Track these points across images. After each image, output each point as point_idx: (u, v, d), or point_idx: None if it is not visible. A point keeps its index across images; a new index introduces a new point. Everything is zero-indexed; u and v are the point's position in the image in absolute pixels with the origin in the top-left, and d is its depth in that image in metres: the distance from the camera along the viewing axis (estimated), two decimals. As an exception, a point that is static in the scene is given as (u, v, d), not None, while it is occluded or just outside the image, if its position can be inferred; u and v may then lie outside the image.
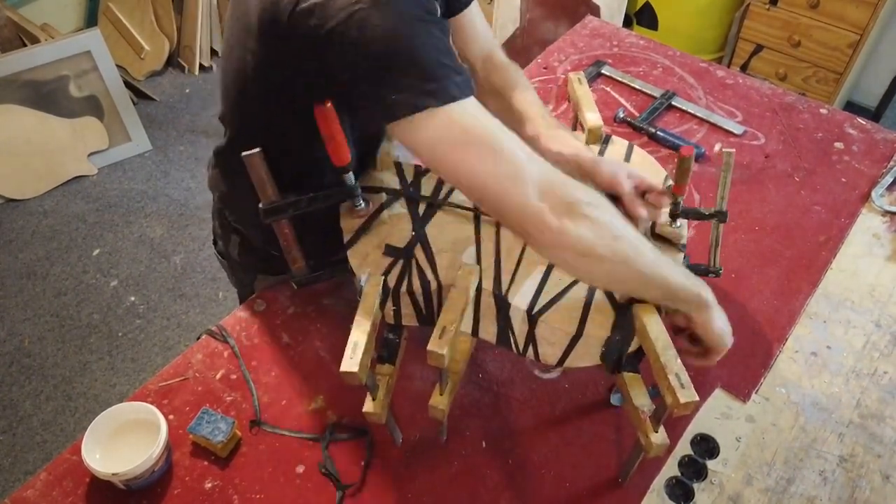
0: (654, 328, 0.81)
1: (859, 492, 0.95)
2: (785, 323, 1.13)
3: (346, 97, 0.79)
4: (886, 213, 1.30)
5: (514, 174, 0.76)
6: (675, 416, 0.78)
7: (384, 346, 0.92)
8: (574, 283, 0.88)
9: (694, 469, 0.97)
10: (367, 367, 0.80)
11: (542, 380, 1.06)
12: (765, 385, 1.06)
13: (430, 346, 0.78)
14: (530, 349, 0.89)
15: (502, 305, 0.87)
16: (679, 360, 0.78)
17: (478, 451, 0.98)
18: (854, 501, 0.94)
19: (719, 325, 0.85)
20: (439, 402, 0.87)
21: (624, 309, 0.85)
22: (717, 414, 1.02)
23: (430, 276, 0.88)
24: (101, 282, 2.33)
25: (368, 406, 0.86)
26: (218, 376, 1.05)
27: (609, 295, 0.86)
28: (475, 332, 0.91)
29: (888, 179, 1.35)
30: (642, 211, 0.93)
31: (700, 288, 0.83)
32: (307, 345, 1.08)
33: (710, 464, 0.97)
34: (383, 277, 0.88)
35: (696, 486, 0.95)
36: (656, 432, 0.81)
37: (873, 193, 1.32)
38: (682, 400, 0.75)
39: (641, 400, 0.84)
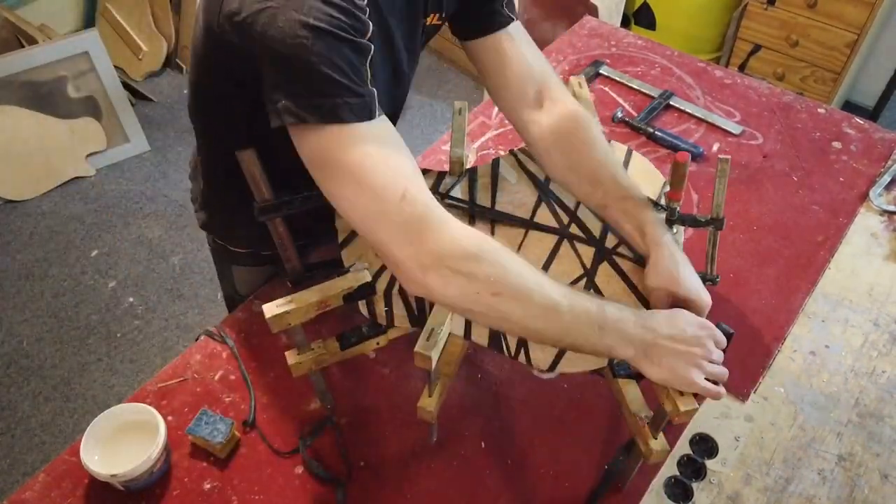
0: None
1: (858, 491, 0.95)
2: (783, 322, 1.13)
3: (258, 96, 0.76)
4: (884, 212, 1.30)
5: (378, 213, 0.71)
6: (676, 423, 0.79)
7: (352, 334, 0.93)
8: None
9: (693, 469, 0.97)
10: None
11: (541, 380, 1.06)
12: (763, 385, 1.06)
13: (417, 348, 0.77)
14: (522, 353, 0.89)
15: None
16: None
17: (477, 451, 0.98)
18: (853, 500, 0.94)
19: (659, 375, 0.77)
20: (428, 403, 0.86)
21: None
22: (715, 414, 1.02)
23: None
24: (100, 283, 2.33)
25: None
26: (217, 377, 1.05)
27: None
28: (467, 334, 0.91)
29: (886, 179, 1.35)
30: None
31: (625, 345, 0.76)
32: (306, 345, 1.08)
33: (709, 463, 0.97)
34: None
35: (695, 485, 0.95)
36: (655, 438, 0.81)
37: (871, 193, 1.33)
38: (683, 408, 0.76)
39: (637, 407, 0.84)
